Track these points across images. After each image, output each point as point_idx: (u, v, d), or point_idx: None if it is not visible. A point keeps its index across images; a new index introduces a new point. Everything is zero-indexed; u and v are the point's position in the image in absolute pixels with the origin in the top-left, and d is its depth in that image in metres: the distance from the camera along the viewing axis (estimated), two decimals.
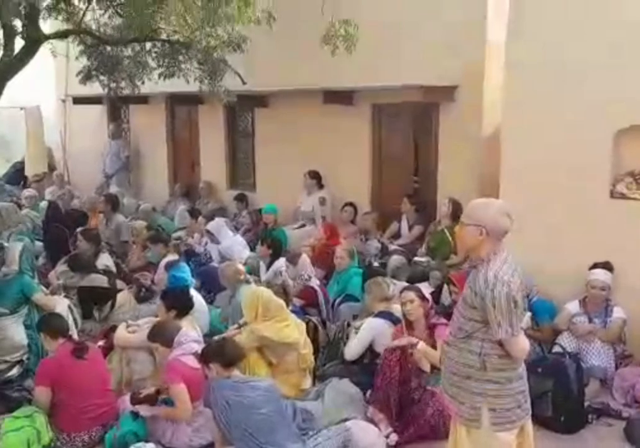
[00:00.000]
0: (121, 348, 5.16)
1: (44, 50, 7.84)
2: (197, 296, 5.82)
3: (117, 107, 12.36)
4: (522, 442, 3.20)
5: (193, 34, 6.55)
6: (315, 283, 6.18)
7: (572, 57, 5.54)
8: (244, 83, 7.65)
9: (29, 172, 11.92)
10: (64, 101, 12.70)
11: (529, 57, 5.80)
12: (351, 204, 8.51)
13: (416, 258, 7.17)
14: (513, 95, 6.01)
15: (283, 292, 5.59)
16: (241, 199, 9.65)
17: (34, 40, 6.01)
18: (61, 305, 5.93)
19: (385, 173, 8.67)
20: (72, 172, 13.04)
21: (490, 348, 3.04)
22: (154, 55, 8.18)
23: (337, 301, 6.15)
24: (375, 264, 6.73)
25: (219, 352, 4.13)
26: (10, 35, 5.90)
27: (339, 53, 6.77)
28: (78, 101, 11.95)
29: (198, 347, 4.51)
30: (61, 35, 6.69)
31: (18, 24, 6.21)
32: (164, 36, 7.46)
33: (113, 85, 8.74)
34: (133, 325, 5.30)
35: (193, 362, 4.42)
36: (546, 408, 4.46)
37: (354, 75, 7.97)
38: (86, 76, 8.71)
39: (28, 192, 10.45)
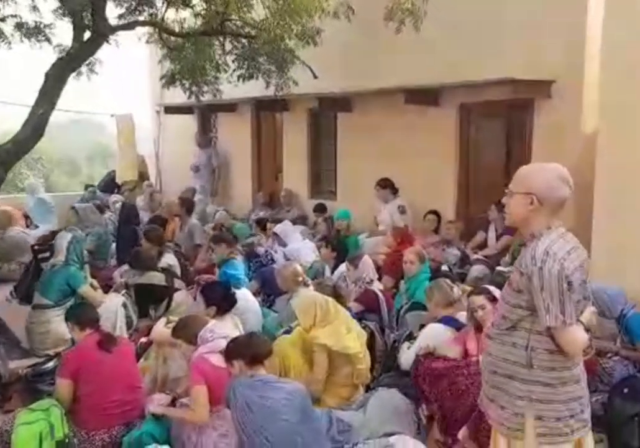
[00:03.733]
0: (158, 345, 4.84)
1: (138, 55, 7.90)
2: (248, 296, 5.45)
3: (207, 117, 12.38)
4: None
5: (262, 23, 6.28)
6: (377, 286, 5.62)
7: None
8: (315, 77, 7.28)
9: (119, 179, 12.13)
10: (157, 111, 12.91)
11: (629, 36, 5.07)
12: (434, 212, 7.89)
13: (499, 268, 6.46)
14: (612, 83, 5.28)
15: (334, 295, 5.03)
16: (320, 210, 9.25)
17: (101, 32, 5.93)
18: (112, 301, 5.75)
19: (473, 178, 8.02)
20: (163, 180, 13.19)
21: (538, 341, 2.46)
22: (234, 56, 8.05)
23: (404, 309, 5.56)
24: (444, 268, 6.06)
25: (244, 348, 3.70)
26: (79, 26, 5.87)
27: (406, 30, 6.24)
28: (169, 110, 12.09)
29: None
30: (127, 27, 6.63)
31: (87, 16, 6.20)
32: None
33: (195, 89, 8.69)
34: (174, 321, 4.96)
35: (219, 361, 3.97)
36: (632, 436, 3.69)
37: (437, 72, 7.42)
38: (169, 80, 8.71)
39: (114, 198, 10.66)
